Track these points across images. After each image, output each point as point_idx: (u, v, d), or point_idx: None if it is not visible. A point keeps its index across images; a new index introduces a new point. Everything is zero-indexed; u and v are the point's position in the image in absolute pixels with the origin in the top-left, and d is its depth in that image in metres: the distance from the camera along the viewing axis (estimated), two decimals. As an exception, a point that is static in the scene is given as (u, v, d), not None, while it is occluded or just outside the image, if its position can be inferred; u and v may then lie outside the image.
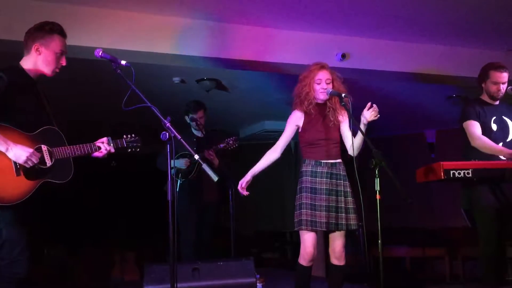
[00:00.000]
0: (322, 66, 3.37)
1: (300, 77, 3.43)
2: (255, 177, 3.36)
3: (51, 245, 7.41)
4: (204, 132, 4.92)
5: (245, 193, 3.35)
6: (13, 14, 3.79)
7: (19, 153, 2.54)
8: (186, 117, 4.88)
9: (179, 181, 4.68)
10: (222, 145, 4.78)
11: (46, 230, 6.78)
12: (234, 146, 4.85)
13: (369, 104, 3.17)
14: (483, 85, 3.85)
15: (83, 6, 3.99)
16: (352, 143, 3.27)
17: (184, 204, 4.60)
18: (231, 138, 4.85)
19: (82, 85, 5.49)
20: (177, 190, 4.62)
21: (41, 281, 6.65)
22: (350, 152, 3.35)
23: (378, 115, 3.15)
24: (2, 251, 2.60)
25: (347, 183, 3.33)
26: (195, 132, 4.91)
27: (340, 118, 3.40)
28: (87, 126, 6.61)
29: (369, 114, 3.15)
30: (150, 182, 5.02)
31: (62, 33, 2.83)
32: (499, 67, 3.78)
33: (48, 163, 2.67)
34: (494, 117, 3.79)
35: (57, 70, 2.82)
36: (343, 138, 3.42)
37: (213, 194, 4.90)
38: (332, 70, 3.41)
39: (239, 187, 3.35)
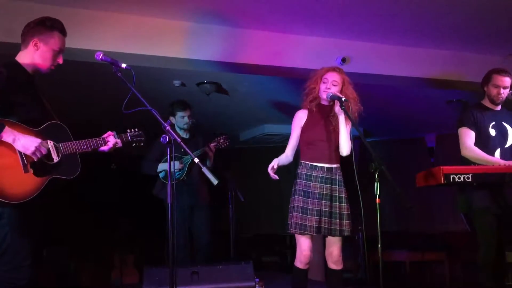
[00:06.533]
0: (334, 69, 3.42)
1: (310, 74, 3.47)
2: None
3: (51, 247, 7.40)
4: (189, 134, 4.82)
5: (275, 177, 3.33)
6: (13, 16, 3.78)
7: (27, 143, 2.45)
8: (172, 118, 4.75)
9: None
10: (213, 144, 4.67)
11: (45, 232, 6.76)
12: (225, 144, 4.73)
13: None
14: (485, 88, 3.88)
15: (84, 9, 3.99)
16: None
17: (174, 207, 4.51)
18: (222, 137, 4.73)
19: (82, 87, 5.49)
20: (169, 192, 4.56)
21: (40, 283, 6.62)
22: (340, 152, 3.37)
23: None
24: (4, 257, 2.50)
25: (343, 188, 3.31)
26: (180, 133, 4.77)
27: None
28: (86, 128, 6.61)
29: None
30: (148, 185, 4.99)
31: (62, 31, 2.77)
32: (502, 71, 3.84)
33: (55, 159, 2.60)
34: (493, 123, 3.80)
35: (53, 68, 2.76)
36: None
37: (203, 196, 4.80)
38: (346, 76, 3.43)
39: (269, 169, 3.32)
